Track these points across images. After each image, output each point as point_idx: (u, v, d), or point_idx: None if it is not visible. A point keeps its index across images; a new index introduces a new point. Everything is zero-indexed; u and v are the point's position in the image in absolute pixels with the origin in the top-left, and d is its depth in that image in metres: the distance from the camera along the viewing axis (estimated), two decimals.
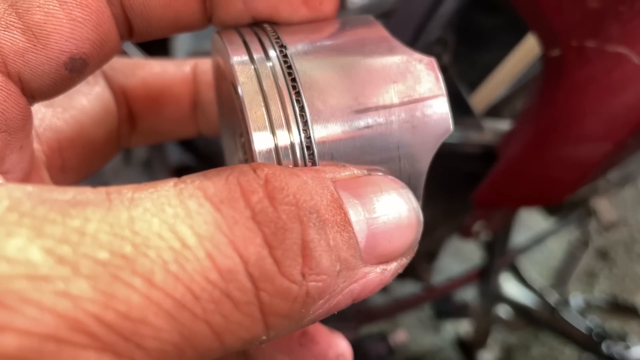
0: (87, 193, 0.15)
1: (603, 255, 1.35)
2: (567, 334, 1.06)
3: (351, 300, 0.20)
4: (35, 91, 0.21)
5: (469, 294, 1.10)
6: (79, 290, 0.13)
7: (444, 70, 0.47)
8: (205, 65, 0.30)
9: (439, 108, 0.23)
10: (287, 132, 0.21)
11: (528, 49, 0.50)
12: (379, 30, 0.24)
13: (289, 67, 0.22)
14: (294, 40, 0.23)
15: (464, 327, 1.20)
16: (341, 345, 0.26)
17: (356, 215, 0.19)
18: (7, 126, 0.20)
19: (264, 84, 0.21)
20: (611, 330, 1.06)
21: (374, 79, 0.22)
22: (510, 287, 1.09)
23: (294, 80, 0.21)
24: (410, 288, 0.92)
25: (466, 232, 0.58)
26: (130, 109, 0.29)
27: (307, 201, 0.18)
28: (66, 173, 0.26)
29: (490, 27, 0.57)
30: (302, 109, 0.21)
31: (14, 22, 0.19)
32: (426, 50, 0.45)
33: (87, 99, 0.27)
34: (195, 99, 0.30)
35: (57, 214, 0.14)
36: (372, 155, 0.22)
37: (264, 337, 0.17)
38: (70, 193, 0.15)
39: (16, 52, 0.19)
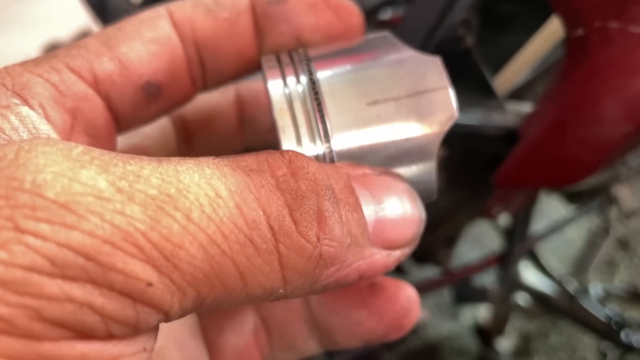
0: (138, 157, 0.19)
1: (624, 244, 1.34)
2: (586, 322, 1.06)
3: (358, 277, 0.23)
4: (118, 110, 0.26)
5: (487, 281, 1.11)
6: (132, 212, 0.16)
7: (468, 51, 0.48)
8: (245, 86, 0.34)
9: (443, 97, 0.26)
10: (311, 143, 0.25)
11: (551, 32, 0.50)
12: (392, 42, 0.27)
13: (315, 90, 0.25)
14: (322, 65, 0.26)
15: (482, 313, 1.20)
16: (408, 287, 0.29)
17: (366, 204, 0.23)
18: (94, 132, 0.25)
19: (293, 105, 0.25)
20: (630, 319, 1.06)
21: (384, 79, 0.26)
22: (529, 274, 1.09)
23: (317, 98, 0.25)
24: (429, 272, 0.93)
25: (487, 213, 0.59)
26: (187, 130, 0.34)
27: (324, 180, 0.21)
28: None
29: (514, 10, 0.57)
30: (324, 122, 0.25)
31: (105, 52, 0.24)
32: (450, 31, 0.46)
33: (150, 126, 0.31)
34: (241, 116, 0.34)
35: (119, 160, 0.17)
36: (384, 148, 0.25)
37: (281, 291, 0.20)
38: (126, 155, 0.18)
39: (105, 73, 0.24)
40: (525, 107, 0.51)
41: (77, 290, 0.16)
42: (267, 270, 0.19)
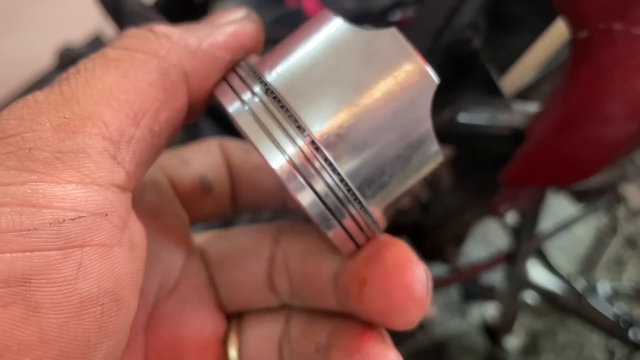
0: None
1: (631, 242, 1.34)
2: (594, 320, 1.06)
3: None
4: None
5: (495, 279, 1.11)
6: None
7: (475, 53, 0.49)
8: None
9: (415, 66, 0.25)
10: (292, 145, 0.24)
11: (557, 33, 0.51)
12: (333, 21, 0.26)
13: (272, 93, 0.25)
14: (268, 66, 0.26)
15: (490, 312, 1.21)
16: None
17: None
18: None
19: (258, 116, 0.25)
20: (638, 317, 1.06)
21: (347, 64, 0.25)
22: (537, 273, 1.09)
23: (279, 101, 0.25)
24: (437, 270, 0.94)
25: (494, 212, 0.59)
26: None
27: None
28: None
29: (520, 12, 0.58)
30: (295, 121, 0.24)
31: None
32: (458, 33, 0.47)
33: None
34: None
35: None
36: (377, 130, 0.25)
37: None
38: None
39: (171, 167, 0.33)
40: (532, 107, 0.51)
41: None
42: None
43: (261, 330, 0.33)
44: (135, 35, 0.26)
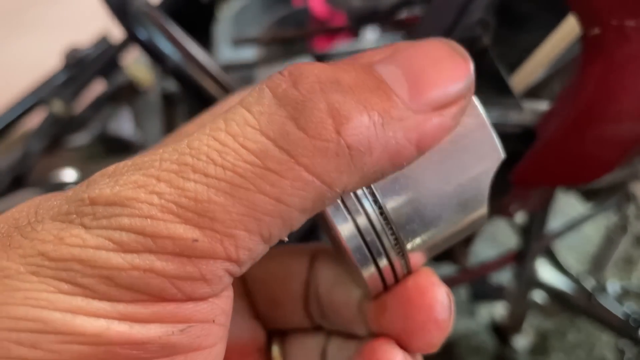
0: (166, 143, 0.22)
1: None
2: (603, 319, 1.05)
3: (415, 149, 0.21)
4: None
5: (504, 279, 1.11)
6: (161, 189, 0.19)
7: (485, 51, 0.48)
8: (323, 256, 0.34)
9: (486, 138, 0.25)
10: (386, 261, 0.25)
11: (567, 30, 0.51)
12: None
13: (385, 218, 0.24)
14: (386, 189, 0.25)
15: (499, 311, 1.20)
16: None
17: (392, 74, 0.21)
18: None
19: (369, 245, 0.25)
20: None
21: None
22: (546, 272, 1.09)
23: (391, 229, 0.25)
24: (446, 270, 0.93)
25: (504, 211, 0.59)
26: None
27: (328, 75, 0.20)
28: None
29: (530, 9, 0.58)
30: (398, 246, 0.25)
31: None
32: (467, 31, 0.46)
33: None
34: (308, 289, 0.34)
35: (147, 156, 0.21)
36: (437, 191, 0.25)
37: (329, 195, 0.21)
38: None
39: None
40: (542, 106, 0.51)
41: (137, 259, 0.19)
42: (301, 184, 0.20)
43: (304, 341, 0.34)
44: None
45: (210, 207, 0.19)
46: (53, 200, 0.21)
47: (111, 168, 0.21)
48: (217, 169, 0.19)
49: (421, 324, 0.26)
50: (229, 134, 0.20)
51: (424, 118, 0.21)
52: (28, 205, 0.21)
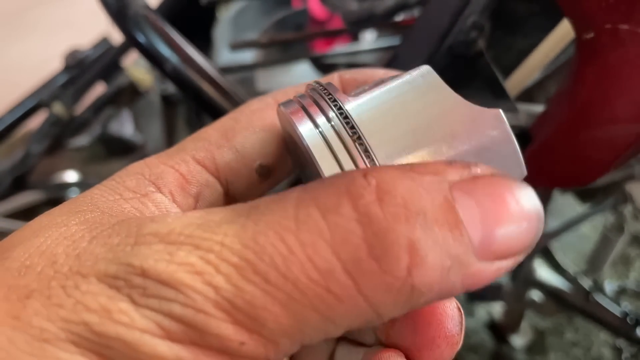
0: (230, 212, 0.21)
1: (638, 241, 1.33)
2: (600, 318, 1.06)
3: (463, 291, 0.20)
4: (234, 191, 0.30)
5: (502, 278, 1.11)
6: (219, 283, 0.18)
7: (480, 54, 0.48)
8: None
9: (511, 154, 0.24)
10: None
11: (562, 33, 0.51)
12: (435, 81, 0.25)
13: (348, 122, 0.24)
14: (348, 96, 0.25)
15: (497, 310, 1.21)
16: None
17: (471, 216, 0.19)
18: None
19: (331, 144, 0.24)
20: None
21: (443, 129, 0.24)
22: (543, 271, 1.09)
23: (354, 132, 0.24)
24: None
25: None
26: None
27: (415, 202, 0.19)
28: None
29: (525, 12, 0.58)
30: (366, 151, 0.23)
31: (225, 144, 0.29)
32: (462, 34, 0.47)
33: None
34: None
35: (208, 233, 0.20)
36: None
37: (384, 318, 0.20)
38: (220, 214, 0.20)
39: (225, 162, 0.29)
40: (537, 108, 0.51)
41: (183, 351, 0.19)
42: (355, 311, 0.19)
43: (312, 345, 0.33)
44: None
45: (264, 314, 0.18)
46: (93, 231, 0.21)
47: (164, 228, 0.20)
48: (279, 277, 0.18)
49: (431, 339, 0.25)
50: (297, 241, 0.18)
51: (485, 266, 0.20)
52: (62, 233, 0.21)
